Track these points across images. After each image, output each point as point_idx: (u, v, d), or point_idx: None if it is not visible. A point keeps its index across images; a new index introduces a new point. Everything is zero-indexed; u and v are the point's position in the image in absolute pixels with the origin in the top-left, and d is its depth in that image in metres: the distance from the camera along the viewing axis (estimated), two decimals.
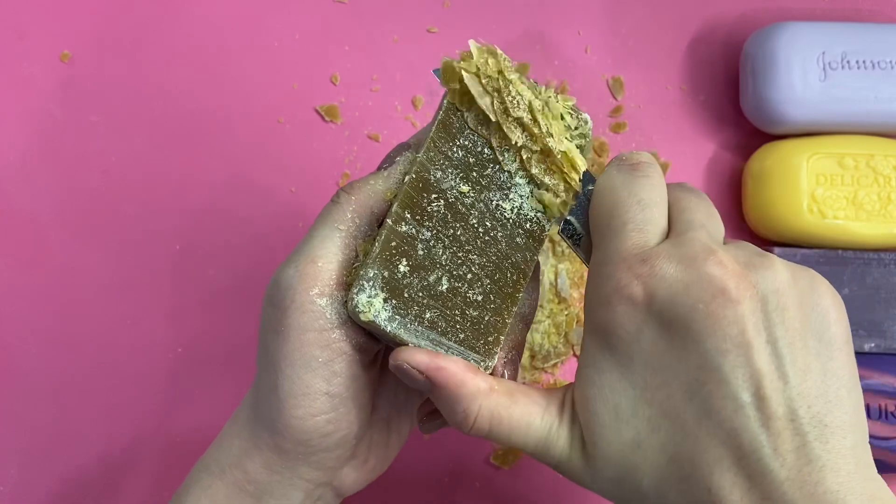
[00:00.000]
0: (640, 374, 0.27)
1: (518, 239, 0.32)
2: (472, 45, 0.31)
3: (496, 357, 0.32)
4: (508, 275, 0.32)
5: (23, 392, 0.48)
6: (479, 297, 0.32)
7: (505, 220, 0.32)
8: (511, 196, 0.32)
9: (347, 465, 0.34)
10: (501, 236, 0.32)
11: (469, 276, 0.31)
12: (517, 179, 0.32)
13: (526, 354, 0.48)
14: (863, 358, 0.47)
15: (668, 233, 0.29)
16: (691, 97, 0.52)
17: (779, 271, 0.27)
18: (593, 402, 0.28)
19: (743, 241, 0.30)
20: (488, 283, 0.32)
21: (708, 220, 0.29)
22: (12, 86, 0.51)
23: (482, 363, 0.32)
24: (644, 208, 0.29)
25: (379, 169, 0.33)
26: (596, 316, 0.29)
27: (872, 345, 0.47)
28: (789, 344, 0.26)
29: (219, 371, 0.49)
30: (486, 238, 0.32)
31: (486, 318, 0.32)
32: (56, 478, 0.48)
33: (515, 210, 0.32)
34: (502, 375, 0.32)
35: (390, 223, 0.31)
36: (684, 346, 0.26)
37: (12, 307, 0.49)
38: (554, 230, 0.33)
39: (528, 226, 0.32)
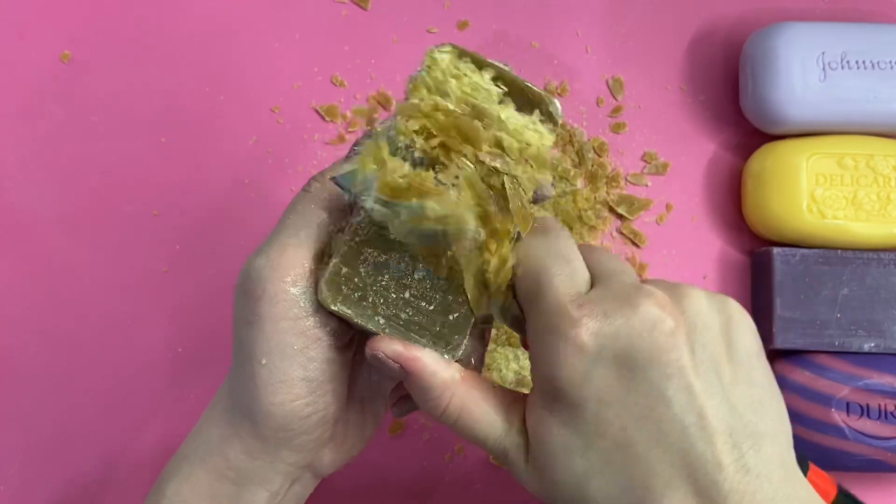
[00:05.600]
0: (593, 411, 0.28)
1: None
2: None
3: (462, 348, 0.32)
4: None
5: (23, 392, 0.48)
6: (445, 291, 0.32)
7: None
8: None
9: (326, 446, 0.35)
10: None
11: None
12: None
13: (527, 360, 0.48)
14: (863, 358, 0.47)
15: (592, 283, 0.31)
16: (691, 97, 0.52)
17: (698, 295, 0.29)
18: (545, 437, 0.30)
19: (655, 278, 0.32)
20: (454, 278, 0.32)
21: (623, 266, 0.31)
22: (12, 86, 0.51)
23: (449, 354, 0.32)
24: (567, 262, 0.30)
25: (348, 157, 0.33)
26: (544, 374, 0.29)
27: (872, 345, 0.47)
28: (717, 362, 0.28)
29: (219, 371, 0.49)
30: None
31: (453, 310, 0.32)
32: (56, 477, 0.48)
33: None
34: (468, 367, 0.33)
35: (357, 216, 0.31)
36: (632, 377, 0.28)
37: (12, 307, 0.49)
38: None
39: None
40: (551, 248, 0.31)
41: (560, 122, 0.32)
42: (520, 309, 0.32)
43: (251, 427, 0.32)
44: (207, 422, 0.34)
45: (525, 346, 0.32)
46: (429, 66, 0.31)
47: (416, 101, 0.30)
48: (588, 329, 0.28)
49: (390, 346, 0.31)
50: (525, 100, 0.31)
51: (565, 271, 0.30)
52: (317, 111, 0.51)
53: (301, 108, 0.51)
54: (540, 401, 0.30)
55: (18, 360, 0.48)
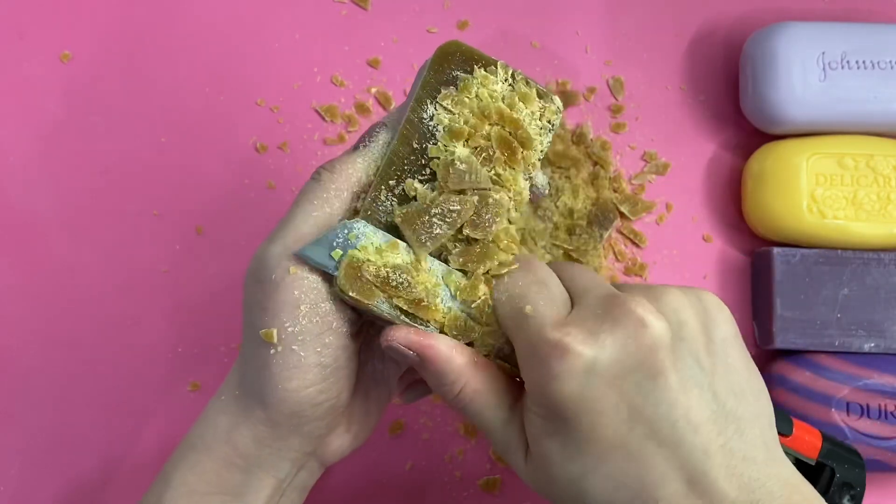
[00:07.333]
0: (587, 421, 0.29)
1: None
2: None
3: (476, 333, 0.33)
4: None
5: (23, 392, 0.48)
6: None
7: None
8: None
9: (332, 433, 0.35)
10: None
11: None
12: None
13: None
14: (863, 358, 0.47)
15: (571, 301, 0.31)
16: (691, 97, 0.52)
17: (673, 293, 0.31)
18: (541, 442, 0.30)
19: (628, 284, 0.33)
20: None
21: (596, 279, 0.32)
22: (12, 86, 0.51)
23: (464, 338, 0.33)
24: (544, 286, 0.31)
25: (356, 147, 0.34)
26: (537, 394, 0.30)
27: (872, 345, 0.47)
28: (697, 355, 0.30)
29: (219, 371, 0.49)
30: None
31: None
32: (56, 478, 0.48)
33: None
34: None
35: (368, 201, 0.32)
36: (622, 382, 0.29)
37: (12, 307, 0.49)
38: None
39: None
40: (528, 276, 0.32)
41: (559, 118, 0.34)
42: (505, 340, 0.32)
43: (262, 413, 0.32)
44: (214, 410, 0.34)
45: (513, 375, 0.33)
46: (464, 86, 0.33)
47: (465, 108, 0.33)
48: (575, 349, 0.29)
49: (406, 335, 0.31)
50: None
51: (544, 295, 0.31)
52: (317, 111, 0.51)
53: (301, 108, 0.51)
54: (534, 409, 0.30)
55: (18, 360, 0.48)
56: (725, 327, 0.31)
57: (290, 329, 0.31)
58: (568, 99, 0.52)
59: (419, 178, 0.33)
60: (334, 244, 0.31)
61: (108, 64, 0.51)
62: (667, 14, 0.53)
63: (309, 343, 0.31)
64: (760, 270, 0.50)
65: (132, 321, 0.49)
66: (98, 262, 0.49)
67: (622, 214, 0.50)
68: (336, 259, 0.31)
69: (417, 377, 0.38)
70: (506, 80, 0.33)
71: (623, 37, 0.53)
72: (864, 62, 0.47)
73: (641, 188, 0.51)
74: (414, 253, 0.32)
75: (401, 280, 0.31)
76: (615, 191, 0.51)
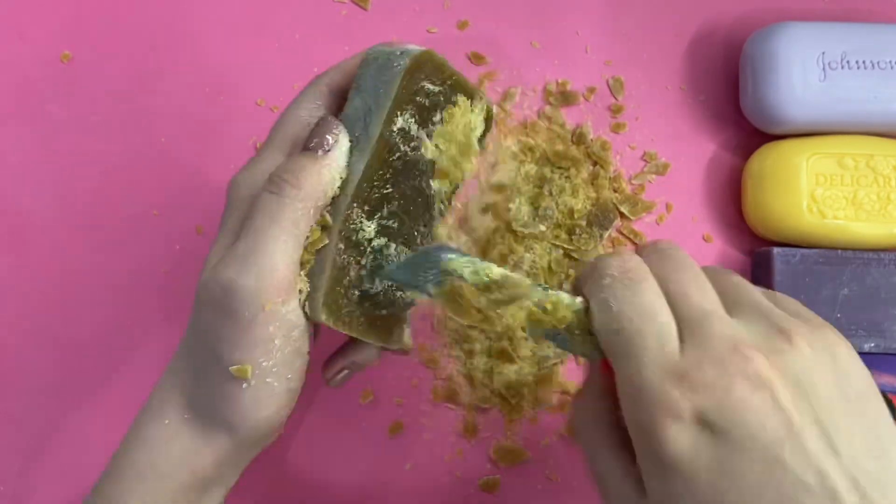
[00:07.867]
0: (707, 482, 0.27)
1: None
2: None
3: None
4: None
5: (23, 392, 0.48)
6: None
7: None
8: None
9: None
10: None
11: None
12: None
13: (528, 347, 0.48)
14: (863, 358, 0.47)
15: (679, 326, 0.29)
16: (691, 97, 0.52)
17: (801, 348, 0.28)
18: (659, 492, 0.28)
19: (733, 277, 0.30)
20: None
21: (698, 290, 0.29)
22: (12, 86, 0.51)
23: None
24: (652, 319, 0.28)
25: (315, 150, 0.32)
26: (649, 448, 0.28)
27: (872, 345, 0.47)
28: (828, 415, 0.27)
29: None
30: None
31: None
32: (56, 478, 0.48)
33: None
34: None
35: (342, 219, 0.32)
36: (743, 446, 0.26)
37: (12, 307, 0.49)
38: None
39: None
40: (634, 302, 0.29)
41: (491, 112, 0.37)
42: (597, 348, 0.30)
43: (229, 439, 0.32)
44: (162, 436, 0.33)
45: (607, 371, 0.31)
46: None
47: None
48: (690, 406, 0.27)
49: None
50: (465, 91, 0.36)
51: (653, 332, 0.28)
52: None
53: None
54: (650, 470, 0.28)
55: (18, 360, 0.48)
56: (858, 378, 0.28)
57: (264, 364, 0.31)
58: (568, 99, 0.52)
59: (385, 190, 0.33)
60: (430, 281, 0.30)
61: (108, 64, 0.51)
62: (667, 14, 0.53)
63: (281, 373, 0.31)
64: (760, 270, 0.50)
65: (132, 321, 0.49)
66: (98, 262, 0.49)
67: (622, 214, 0.50)
68: (435, 291, 0.30)
69: (340, 364, 0.38)
70: (472, 108, 0.35)
71: (623, 37, 0.53)
72: (864, 62, 0.47)
73: (641, 188, 0.51)
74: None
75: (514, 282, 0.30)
76: (615, 191, 0.51)
